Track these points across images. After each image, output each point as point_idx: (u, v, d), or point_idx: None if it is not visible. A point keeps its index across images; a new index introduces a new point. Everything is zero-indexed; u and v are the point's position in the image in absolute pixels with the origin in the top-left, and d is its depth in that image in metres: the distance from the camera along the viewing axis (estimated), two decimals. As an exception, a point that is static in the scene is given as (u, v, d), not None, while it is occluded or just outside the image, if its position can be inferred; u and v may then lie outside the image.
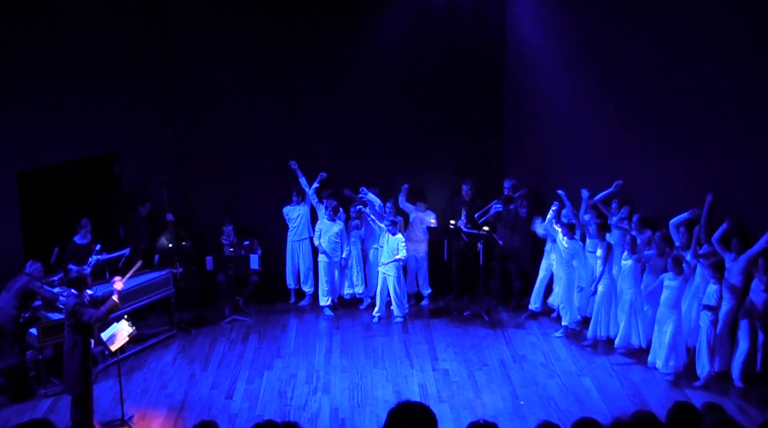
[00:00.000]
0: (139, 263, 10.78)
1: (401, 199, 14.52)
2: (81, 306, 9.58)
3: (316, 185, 14.30)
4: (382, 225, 13.83)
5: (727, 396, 10.78)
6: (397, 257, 13.63)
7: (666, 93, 12.08)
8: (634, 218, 12.23)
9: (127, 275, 10.35)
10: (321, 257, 14.37)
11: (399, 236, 13.72)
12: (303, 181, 14.29)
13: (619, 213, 12.58)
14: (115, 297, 9.81)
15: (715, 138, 11.45)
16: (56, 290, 11.52)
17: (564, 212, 13.04)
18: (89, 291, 10.01)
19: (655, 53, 12.17)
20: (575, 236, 12.67)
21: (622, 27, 12.77)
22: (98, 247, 12.77)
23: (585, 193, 12.70)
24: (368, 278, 14.58)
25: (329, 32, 14.52)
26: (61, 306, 11.04)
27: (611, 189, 12.53)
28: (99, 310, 9.67)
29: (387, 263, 13.73)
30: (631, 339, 12.09)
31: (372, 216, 14.05)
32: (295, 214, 14.50)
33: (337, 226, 14.20)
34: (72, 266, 12.08)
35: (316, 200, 14.34)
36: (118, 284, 9.98)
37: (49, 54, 12.50)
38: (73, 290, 9.77)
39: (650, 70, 12.26)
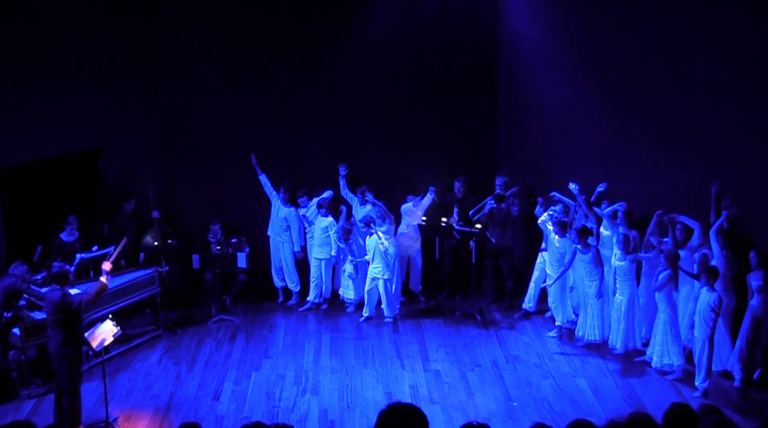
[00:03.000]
0: (124, 240, 11.09)
1: (342, 185, 14.35)
2: (67, 297, 9.65)
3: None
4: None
5: (726, 396, 10.69)
6: (381, 248, 13.45)
7: (662, 88, 12.01)
8: (620, 214, 12.11)
9: (114, 254, 10.55)
10: (312, 253, 14.28)
11: (374, 236, 13.55)
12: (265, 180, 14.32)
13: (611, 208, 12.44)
14: (103, 278, 9.97)
15: (712, 134, 11.38)
16: (44, 290, 11.38)
17: (557, 208, 12.92)
18: (74, 290, 10.08)
19: (650, 47, 12.10)
20: (567, 234, 12.52)
21: (618, 21, 12.70)
22: (95, 247, 12.78)
23: (576, 187, 12.53)
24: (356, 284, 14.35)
25: (318, 25, 14.39)
26: (42, 304, 11.02)
27: (601, 190, 12.60)
28: (88, 292, 9.80)
29: (377, 265, 13.62)
30: (628, 342, 11.97)
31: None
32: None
33: (326, 221, 14.06)
34: (56, 264, 11.96)
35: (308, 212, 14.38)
36: (107, 264, 10.14)
37: (30, 48, 12.37)
38: (55, 285, 9.77)
39: (646, 65, 12.18)
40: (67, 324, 9.68)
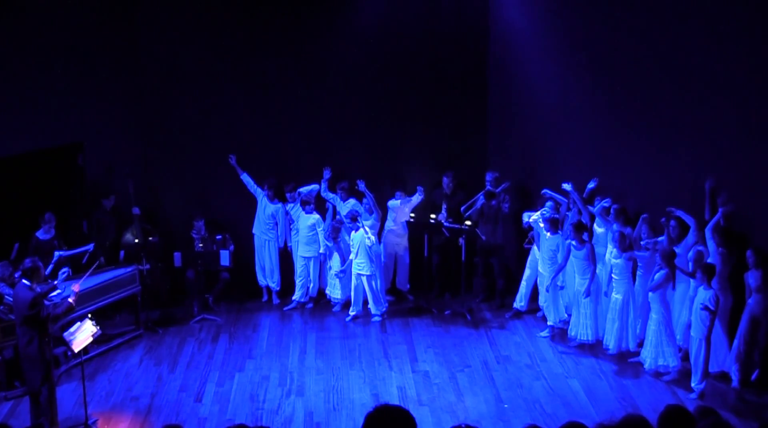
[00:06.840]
0: (91, 246, 11.63)
1: (323, 188, 14.18)
2: (38, 303, 9.62)
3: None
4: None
5: (723, 398, 10.61)
6: (368, 243, 13.27)
7: (657, 83, 11.94)
8: (612, 210, 12.06)
9: (85, 275, 10.74)
10: (298, 251, 14.09)
11: (361, 230, 13.36)
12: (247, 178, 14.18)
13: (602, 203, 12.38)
14: (71, 299, 9.97)
15: (707, 129, 11.32)
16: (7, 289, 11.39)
17: (549, 205, 12.81)
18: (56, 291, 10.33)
19: (646, 41, 12.04)
20: (558, 232, 12.43)
21: (611, 13, 12.62)
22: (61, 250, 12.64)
23: (570, 186, 12.38)
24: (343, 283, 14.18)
25: (303, 17, 14.26)
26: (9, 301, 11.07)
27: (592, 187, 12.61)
28: (56, 310, 9.84)
29: (360, 261, 13.45)
30: (622, 342, 11.86)
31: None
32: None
33: (312, 218, 13.88)
34: (28, 259, 11.93)
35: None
36: (76, 286, 10.22)
37: (8, 41, 12.31)
38: (24, 281, 9.69)
39: (641, 59, 12.13)
40: (35, 324, 9.59)
